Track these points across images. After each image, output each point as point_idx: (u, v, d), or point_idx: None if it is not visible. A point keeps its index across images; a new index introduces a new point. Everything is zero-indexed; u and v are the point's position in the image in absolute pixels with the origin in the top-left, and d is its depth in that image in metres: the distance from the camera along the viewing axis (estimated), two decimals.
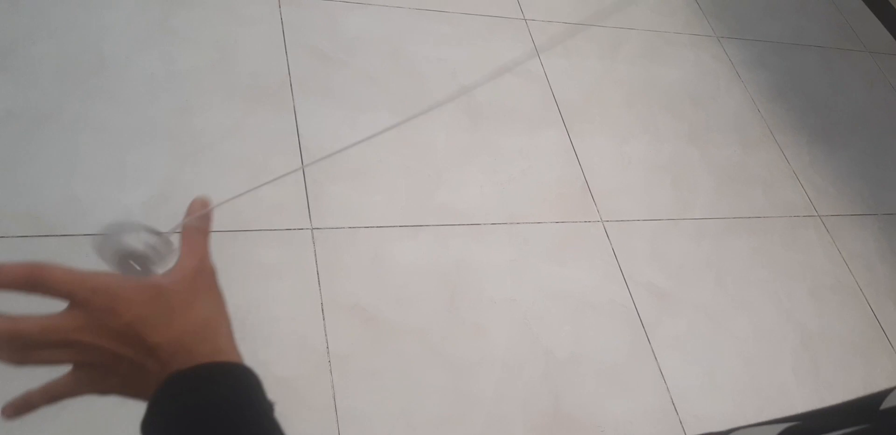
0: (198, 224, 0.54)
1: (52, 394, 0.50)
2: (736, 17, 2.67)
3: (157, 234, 0.52)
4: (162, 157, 1.59)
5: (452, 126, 1.92)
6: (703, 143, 2.23)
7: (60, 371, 0.49)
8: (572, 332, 1.69)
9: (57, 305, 0.47)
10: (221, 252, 1.50)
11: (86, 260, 1.38)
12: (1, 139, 1.49)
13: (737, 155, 2.25)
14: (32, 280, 0.45)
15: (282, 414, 1.44)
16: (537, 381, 1.59)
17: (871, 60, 2.83)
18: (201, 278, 0.52)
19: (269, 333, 1.45)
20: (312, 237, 1.60)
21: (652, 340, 1.75)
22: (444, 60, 2.04)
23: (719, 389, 1.74)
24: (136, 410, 0.48)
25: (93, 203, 1.48)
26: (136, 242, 0.52)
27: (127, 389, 0.50)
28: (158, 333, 0.47)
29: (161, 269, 0.52)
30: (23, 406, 0.50)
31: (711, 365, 1.78)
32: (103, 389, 0.50)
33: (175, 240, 0.52)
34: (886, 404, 0.40)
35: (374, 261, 1.62)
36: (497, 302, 1.67)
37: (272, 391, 1.47)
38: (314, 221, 1.62)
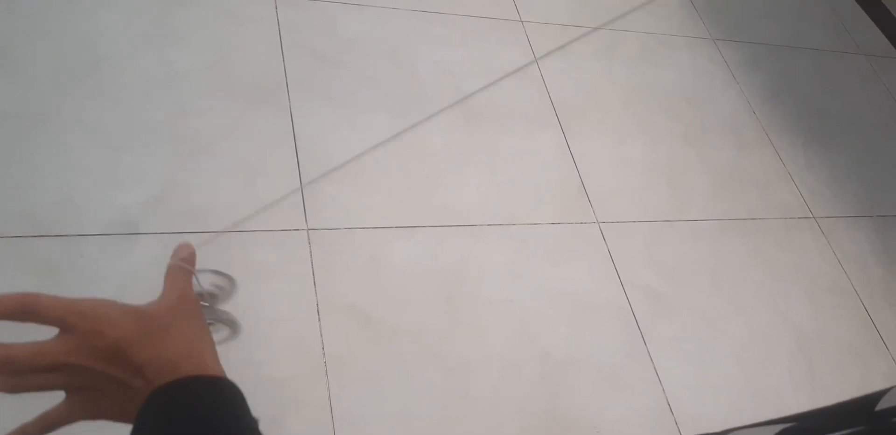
0: (182, 264, 0.57)
1: (47, 423, 0.51)
2: (732, 19, 2.68)
3: (222, 274, 0.58)
4: (158, 158, 1.59)
5: (450, 127, 1.92)
6: (699, 144, 2.23)
7: (54, 400, 0.51)
8: (569, 333, 1.69)
9: (49, 333, 0.49)
10: (217, 253, 1.50)
11: (79, 262, 1.38)
12: None
13: (732, 157, 2.26)
14: (24, 309, 0.48)
15: (276, 418, 1.44)
16: (534, 382, 1.59)
17: (867, 63, 2.83)
18: (182, 306, 0.54)
19: (265, 335, 1.44)
20: (308, 238, 1.60)
21: (648, 341, 1.75)
22: (442, 62, 2.04)
23: (715, 390, 1.74)
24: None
25: (88, 204, 1.48)
26: (203, 282, 0.58)
27: (117, 411, 0.51)
28: (143, 351, 0.49)
29: (226, 305, 0.58)
30: None
31: (707, 366, 1.78)
32: (95, 413, 0.51)
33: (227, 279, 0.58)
34: (882, 406, 0.40)
35: (370, 262, 1.62)
36: (494, 303, 1.67)
37: (268, 393, 1.47)
38: (310, 221, 1.62)
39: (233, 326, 0.62)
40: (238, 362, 1.39)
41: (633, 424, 1.59)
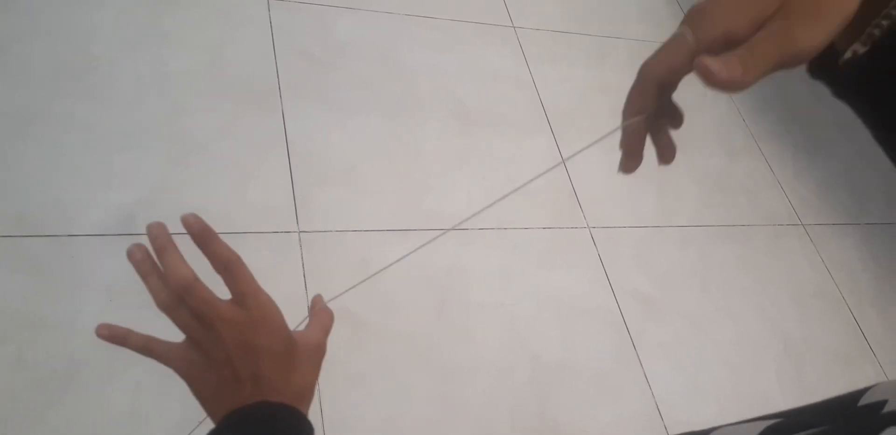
0: (329, 311, 0.63)
1: (150, 346, 0.55)
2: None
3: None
4: (150, 159, 1.59)
5: (442, 132, 1.93)
6: (689, 151, 2.24)
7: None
8: (559, 337, 1.70)
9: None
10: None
11: (69, 262, 1.37)
12: None
13: (722, 164, 2.27)
14: (230, 266, 0.53)
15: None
16: (524, 386, 1.60)
17: None
18: (317, 352, 0.60)
19: None
20: (300, 240, 1.59)
21: (637, 346, 1.76)
22: (434, 66, 2.04)
23: (704, 394, 1.75)
24: None
25: (80, 204, 1.47)
26: None
27: (208, 389, 0.54)
28: (272, 369, 0.54)
29: None
30: (117, 336, 0.56)
31: (696, 371, 1.79)
32: (192, 377, 0.55)
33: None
34: (864, 401, 0.41)
35: (361, 265, 1.62)
36: (485, 307, 1.67)
37: None
38: (302, 224, 1.62)
39: None
40: None
41: (623, 428, 1.60)
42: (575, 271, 1.83)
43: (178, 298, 0.52)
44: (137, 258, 0.54)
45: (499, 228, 1.81)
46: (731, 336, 1.89)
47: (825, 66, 0.44)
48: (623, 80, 2.12)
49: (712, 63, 0.39)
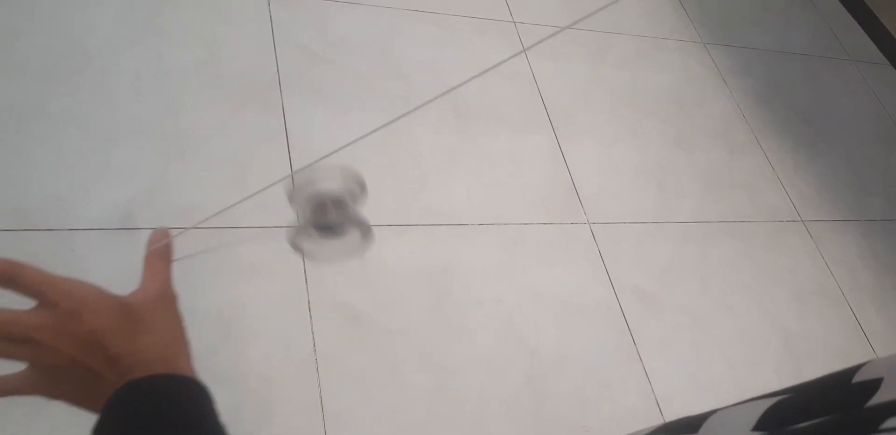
0: (160, 252, 0.56)
1: (3, 387, 0.50)
2: (722, 24, 2.70)
3: (350, 172, 0.55)
4: (148, 155, 1.58)
5: (441, 127, 1.92)
6: (690, 147, 2.24)
7: (14, 369, 0.49)
8: (558, 333, 1.70)
9: (26, 305, 0.48)
10: (208, 249, 1.49)
11: (69, 256, 1.37)
12: None
13: (722, 160, 2.27)
14: (6, 275, 0.46)
15: (266, 415, 1.43)
16: (523, 381, 1.59)
17: (856, 69, 2.86)
18: (164, 301, 0.54)
19: (256, 332, 1.44)
20: None
21: (637, 341, 1.76)
22: (433, 61, 2.04)
23: (703, 390, 1.75)
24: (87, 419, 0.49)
25: (78, 199, 1.47)
26: (333, 185, 0.55)
27: (79, 396, 0.50)
28: (119, 344, 0.48)
29: (355, 211, 0.55)
30: None
31: (696, 367, 1.79)
32: (55, 393, 0.50)
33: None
34: (858, 378, 0.41)
35: (361, 260, 1.62)
36: (483, 302, 1.67)
37: (258, 389, 1.46)
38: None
39: (365, 229, 0.60)
40: (228, 359, 1.39)
41: (622, 423, 1.59)
42: (575, 267, 1.83)
43: None
44: None
45: (498, 223, 1.81)
46: (730, 332, 1.89)
47: None
48: (624, 76, 2.13)
49: None
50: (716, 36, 2.63)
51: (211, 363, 1.37)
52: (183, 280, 1.56)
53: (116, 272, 1.41)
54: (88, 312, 0.48)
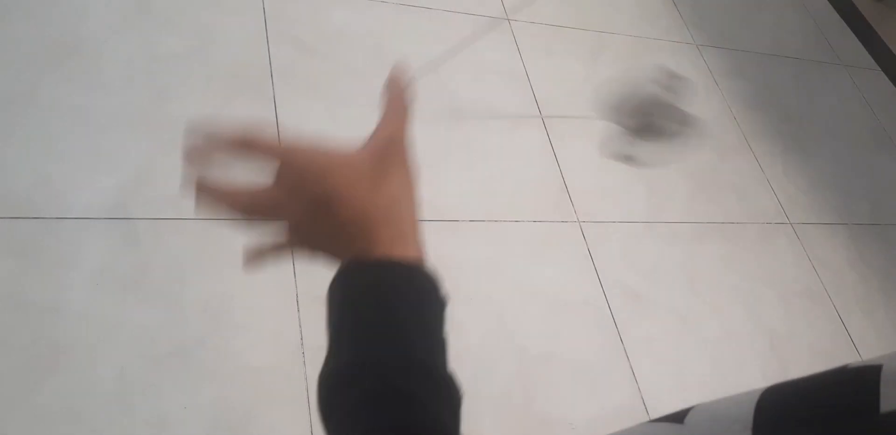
0: (396, 93, 0.53)
1: (278, 244, 0.54)
2: (716, 26, 2.71)
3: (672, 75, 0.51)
4: (138, 142, 1.57)
5: (433, 123, 1.92)
6: (680, 148, 2.25)
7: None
8: (547, 330, 1.69)
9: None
10: (197, 239, 1.48)
11: (57, 244, 1.35)
12: None
13: (712, 161, 2.28)
14: (247, 140, 0.48)
15: (253, 407, 1.41)
16: (510, 378, 1.59)
17: (846, 74, 2.88)
18: (392, 152, 0.50)
19: (244, 323, 1.43)
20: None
21: (625, 340, 1.76)
22: (427, 57, 2.03)
23: (689, 389, 1.75)
24: None
25: (68, 186, 1.45)
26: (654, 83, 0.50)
27: (331, 248, 0.50)
28: (348, 207, 0.47)
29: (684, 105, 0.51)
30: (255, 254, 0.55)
31: (682, 366, 1.79)
32: (313, 246, 0.51)
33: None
34: (855, 365, 0.39)
35: None
36: (472, 299, 1.67)
37: (245, 382, 1.45)
38: None
39: (683, 121, 0.55)
40: (215, 350, 1.38)
41: (608, 420, 1.60)
42: (564, 265, 1.83)
43: (242, 208, 0.50)
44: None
45: (489, 220, 1.81)
46: (717, 332, 1.89)
47: None
48: (616, 76, 2.14)
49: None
50: (709, 38, 2.63)
51: (198, 355, 1.36)
52: (169, 270, 1.55)
53: (104, 261, 1.40)
54: (316, 171, 0.47)
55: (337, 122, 1.79)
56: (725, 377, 1.82)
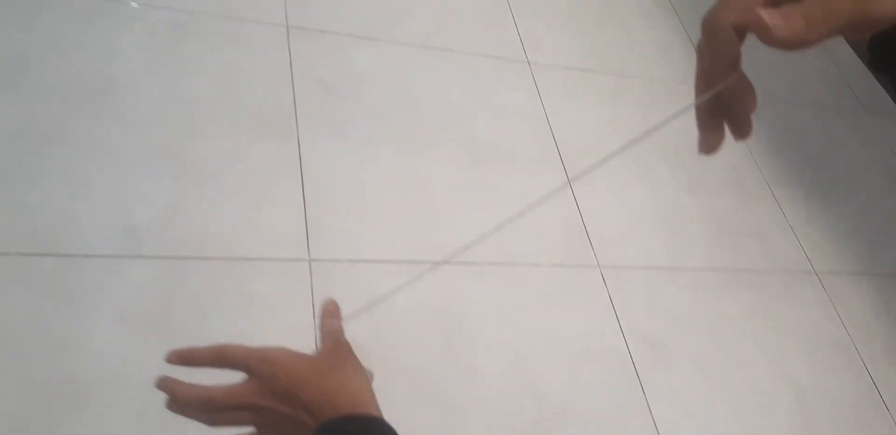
0: (332, 322, 0.69)
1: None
2: None
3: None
4: (164, 181, 1.57)
5: (454, 165, 1.92)
6: (701, 193, 2.24)
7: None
8: (567, 378, 1.66)
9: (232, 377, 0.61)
10: (218, 279, 1.47)
11: (82, 282, 1.35)
12: (5, 156, 1.47)
13: (734, 207, 2.26)
14: (220, 357, 0.61)
15: None
16: (530, 426, 1.56)
17: (869, 120, 2.87)
18: (339, 351, 0.64)
19: None
20: (310, 269, 1.57)
21: (647, 390, 1.72)
22: (448, 99, 2.04)
23: None
24: None
25: (93, 224, 1.45)
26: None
27: (301, 421, 0.59)
28: (309, 391, 0.58)
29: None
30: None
31: (705, 418, 1.75)
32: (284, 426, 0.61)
33: None
34: None
35: (369, 295, 1.59)
36: (491, 344, 1.64)
37: None
38: (313, 252, 1.60)
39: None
40: None
41: None
42: (585, 311, 1.80)
43: (211, 411, 0.59)
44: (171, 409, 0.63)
45: (508, 264, 1.79)
46: (741, 384, 1.85)
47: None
48: (637, 119, 2.14)
49: (770, 16, 0.35)
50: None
51: None
52: (191, 310, 1.54)
53: (128, 299, 1.39)
54: (282, 370, 0.59)
55: (361, 162, 1.79)
56: (750, 431, 1.77)
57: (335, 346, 0.64)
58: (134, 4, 1.82)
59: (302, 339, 1.47)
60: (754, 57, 2.35)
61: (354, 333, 1.53)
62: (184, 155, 1.63)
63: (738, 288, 2.05)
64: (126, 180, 1.54)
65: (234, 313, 1.45)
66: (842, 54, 3.13)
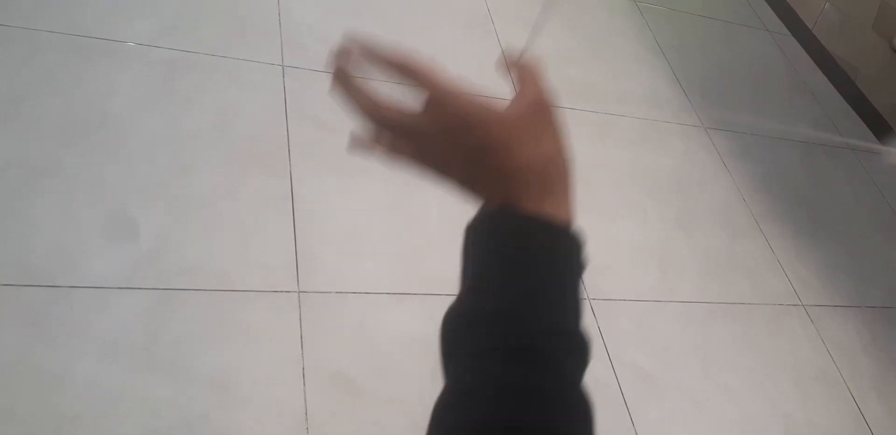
0: (519, 67, 0.54)
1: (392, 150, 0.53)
2: (722, 109, 2.76)
3: None
4: (155, 215, 1.60)
5: (446, 198, 1.94)
6: (690, 229, 2.26)
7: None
8: None
9: None
10: (207, 311, 1.48)
11: (68, 313, 1.36)
12: None
13: (723, 243, 2.28)
14: (407, 66, 0.49)
15: None
16: None
17: (853, 156, 2.91)
18: (542, 117, 0.52)
19: (249, 396, 1.41)
20: (299, 300, 1.59)
21: (636, 422, 1.72)
22: None
23: None
24: None
25: (82, 256, 1.47)
26: None
27: (478, 190, 0.53)
28: (505, 159, 0.49)
29: None
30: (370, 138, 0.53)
31: None
32: (455, 180, 0.54)
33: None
34: None
35: (359, 328, 1.61)
36: None
37: None
38: (302, 284, 1.61)
39: None
40: (219, 424, 1.36)
41: None
42: None
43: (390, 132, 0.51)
44: None
45: None
46: (731, 416, 1.85)
47: None
48: (626, 157, 2.17)
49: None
50: (716, 121, 2.69)
51: (202, 428, 1.34)
52: (179, 341, 1.54)
53: (116, 331, 1.40)
54: (473, 127, 0.48)
55: (352, 196, 1.82)
56: None
57: (537, 109, 0.52)
58: (131, 44, 1.87)
59: (289, 372, 1.48)
60: (743, 98, 2.39)
61: (340, 363, 1.53)
62: (176, 189, 1.66)
63: (726, 320, 2.06)
64: (117, 213, 1.56)
65: (222, 344, 1.46)
66: (824, 92, 3.19)
